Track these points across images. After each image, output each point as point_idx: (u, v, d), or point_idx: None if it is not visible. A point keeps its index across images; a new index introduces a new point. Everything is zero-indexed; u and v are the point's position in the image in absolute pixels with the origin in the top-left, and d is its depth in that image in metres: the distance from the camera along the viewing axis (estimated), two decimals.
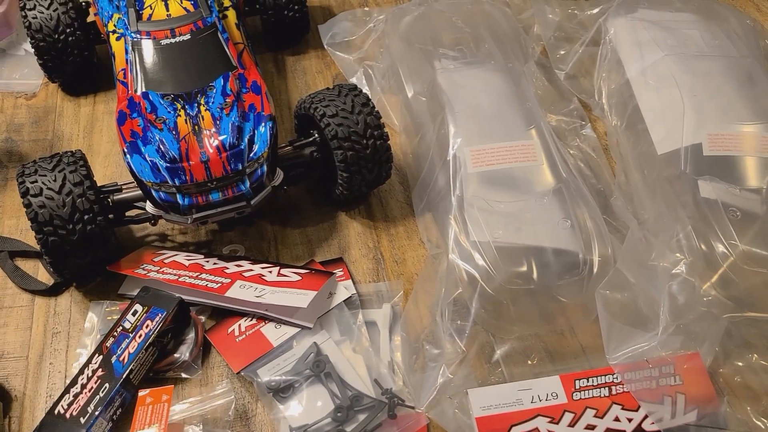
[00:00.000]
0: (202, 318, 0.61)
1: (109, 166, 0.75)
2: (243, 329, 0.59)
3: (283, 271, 0.62)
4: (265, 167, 0.62)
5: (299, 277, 0.61)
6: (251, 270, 0.62)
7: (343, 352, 0.57)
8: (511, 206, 0.61)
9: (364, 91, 0.79)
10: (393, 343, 0.59)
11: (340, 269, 0.64)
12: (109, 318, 0.61)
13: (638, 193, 0.68)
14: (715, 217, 0.58)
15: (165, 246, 0.68)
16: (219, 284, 0.60)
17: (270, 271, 0.62)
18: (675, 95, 0.68)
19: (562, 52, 0.83)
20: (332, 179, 0.68)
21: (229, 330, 0.59)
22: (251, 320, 0.59)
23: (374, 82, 0.81)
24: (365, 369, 0.57)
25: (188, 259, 0.64)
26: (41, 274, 0.66)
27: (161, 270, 0.63)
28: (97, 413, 0.52)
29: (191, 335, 0.59)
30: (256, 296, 0.59)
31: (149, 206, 0.62)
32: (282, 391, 0.55)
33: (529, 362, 0.58)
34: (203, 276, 0.62)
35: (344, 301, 0.61)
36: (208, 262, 0.64)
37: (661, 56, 0.71)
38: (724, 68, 0.70)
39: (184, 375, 0.58)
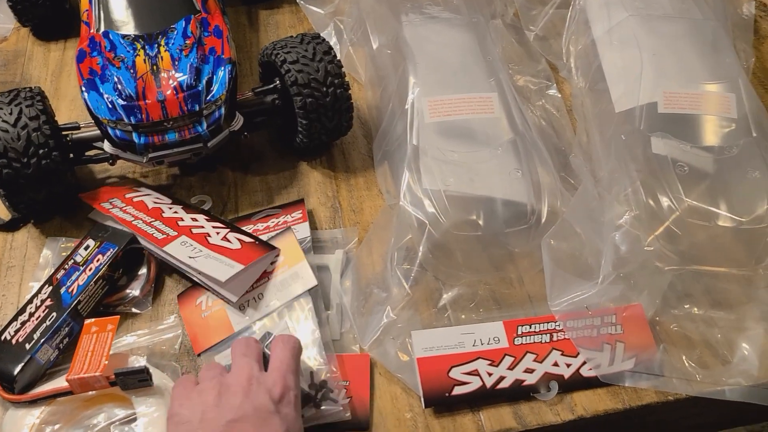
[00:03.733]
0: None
1: (75, 110, 0.76)
2: (209, 304, 0.58)
3: (230, 235, 0.60)
4: (222, 110, 0.62)
5: (239, 246, 0.59)
6: (202, 228, 0.61)
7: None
8: (465, 156, 0.62)
9: (333, 43, 0.80)
10: (343, 287, 0.60)
11: (299, 210, 0.65)
12: (64, 254, 0.61)
13: (596, 152, 0.69)
14: (663, 171, 0.59)
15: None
16: (164, 236, 0.60)
17: (218, 233, 0.60)
18: (635, 55, 0.68)
19: (533, 13, 0.83)
20: (294, 128, 0.68)
21: (197, 302, 0.59)
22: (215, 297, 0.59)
23: (344, 36, 0.81)
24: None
25: (155, 202, 0.64)
26: (0, 210, 0.66)
27: (124, 208, 0.63)
28: (42, 340, 0.53)
29: (143, 272, 0.60)
30: (190, 257, 0.58)
31: (107, 145, 0.63)
32: None
33: (475, 308, 0.59)
34: (155, 224, 0.61)
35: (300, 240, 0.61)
36: (170, 209, 0.64)
37: (625, 16, 0.71)
38: (688, 30, 0.70)
39: (134, 310, 0.59)
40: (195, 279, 0.59)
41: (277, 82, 0.67)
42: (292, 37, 0.68)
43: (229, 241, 0.60)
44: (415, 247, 0.59)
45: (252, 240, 0.60)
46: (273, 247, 0.60)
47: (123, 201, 0.64)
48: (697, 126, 0.63)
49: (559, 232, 0.58)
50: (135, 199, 0.65)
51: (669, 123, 0.63)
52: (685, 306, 0.57)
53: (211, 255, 0.58)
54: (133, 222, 0.61)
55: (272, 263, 0.60)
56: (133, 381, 0.50)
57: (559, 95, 0.76)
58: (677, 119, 0.63)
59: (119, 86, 0.60)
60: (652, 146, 0.61)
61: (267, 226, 0.63)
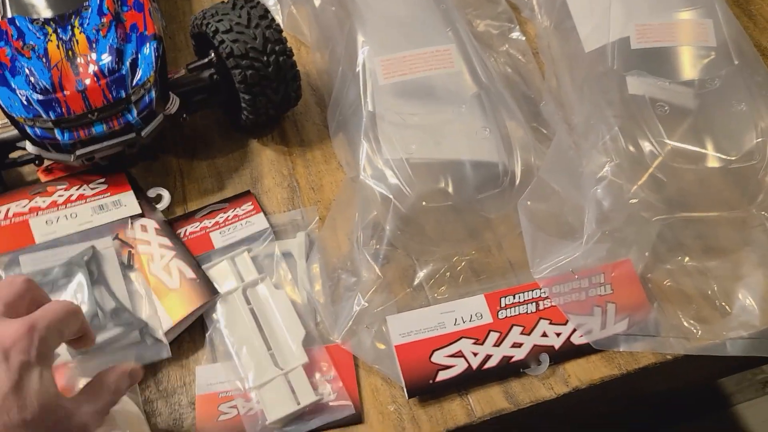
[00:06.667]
0: None
1: None
2: (10, 214, 0.56)
3: (173, 263, 0.54)
4: (153, 93, 0.56)
5: (177, 285, 0.53)
6: (148, 245, 0.55)
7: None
8: (426, 118, 0.57)
9: (272, 3, 0.73)
10: (311, 274, 0.55)
11: (249, 202, 0.60)
12: None
13: (568, 96, 0.64)
14: (642, 113, 0.54)
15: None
16: None
17: (162, 256, 0.54)
18: None
19: None
20: (238, 104, 0.62)
21: None
22: (24, 207, 0.56)
23: None
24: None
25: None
26: None
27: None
28: None
29: None
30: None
31: (29, 145, 0.56)
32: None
33: (454, 282, 0.54)
34: None
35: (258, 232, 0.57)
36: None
37: None
38: None
39: None
40: None
41: (212, 55, 0.61)
42: (223, 2, 0.61)
43: (170, 273, 0.54)
44: (381, 224, 0.54)
45: (194, 276, 0.54)
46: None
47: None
48: (674, 59, 0.58)
49: (536, 191, 0.53)
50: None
51: (644, 59, 0.58)
52: (678, 258, 0.53)
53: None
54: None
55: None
56: None
57: (524, 38, 0.71)
58: (652, 54, 0.58)
59: (32, 79, 0.53)
60: (628, 86, 0.56)
61: (216, 222, 0.58)
